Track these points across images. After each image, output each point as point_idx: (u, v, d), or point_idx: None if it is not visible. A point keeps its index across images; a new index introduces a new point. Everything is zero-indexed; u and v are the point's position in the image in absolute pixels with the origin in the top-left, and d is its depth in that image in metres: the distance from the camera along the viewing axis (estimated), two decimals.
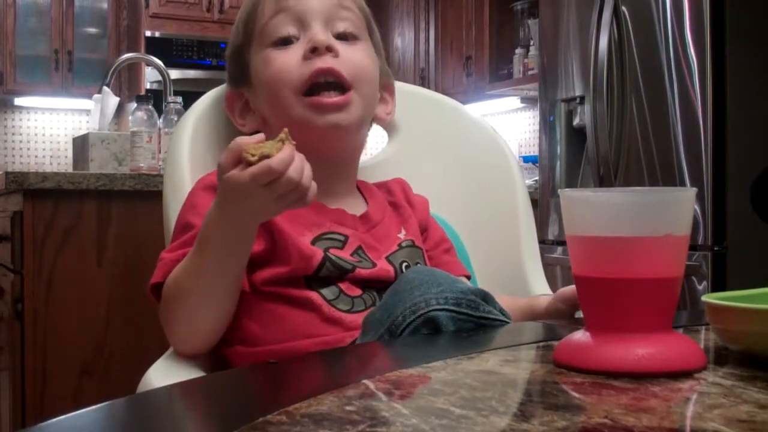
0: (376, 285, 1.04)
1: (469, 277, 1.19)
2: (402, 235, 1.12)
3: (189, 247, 0.97)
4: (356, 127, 1.10)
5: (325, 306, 0.99)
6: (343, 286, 1.01)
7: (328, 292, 1.00)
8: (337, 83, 1.05)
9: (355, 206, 1.12)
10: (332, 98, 1.05)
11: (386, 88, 1.19)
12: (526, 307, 1.10)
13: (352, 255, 1.04)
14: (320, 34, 1.05)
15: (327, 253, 1.01)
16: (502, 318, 0.87)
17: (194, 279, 0.94)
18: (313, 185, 0.87)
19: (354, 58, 1.07)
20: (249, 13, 1.11)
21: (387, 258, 1.07)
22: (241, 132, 1.13)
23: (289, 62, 1.05)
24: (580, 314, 0.92)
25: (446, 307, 0.83)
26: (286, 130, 0.87)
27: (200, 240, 0.93)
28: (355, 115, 1.07)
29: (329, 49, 1.05)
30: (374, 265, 1.04)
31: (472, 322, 0.84)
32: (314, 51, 1.04)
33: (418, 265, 1.09)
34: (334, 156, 1.10)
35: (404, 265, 1.07)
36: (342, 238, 1.05)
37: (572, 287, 1.02)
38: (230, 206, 0.89)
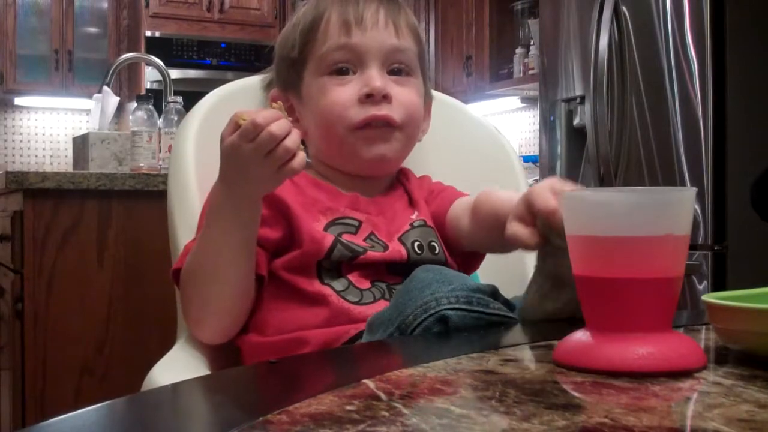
0: (387, 275, 1.05)
1: None
2: (414, 216, 1.14)
3: None
4: (399, 158, 1.16)
5: (334, 296, 1.01)
6: (352, 278, 1.03)
7: (338, 284, 1.02)
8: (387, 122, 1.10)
9: (369, 189, 1.14)
10: (380, 131, 1.09)
11: (425, 107, 1.21)
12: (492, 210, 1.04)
13: (364, 240, 1.06)
14: (377, 80, 1.08)
15: (338, 238, 1.04)
16: (511, 315, 0.88)
17: (203, 254, 0.98)
18: (301, 153, 0.90)
19: (405, 101, 1.11)
20: (308, 30, 1.12)
21: (399, 239, 1.09)
22: None
23: (344, 99, 1.08)
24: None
25: (457, 306, 0.84)
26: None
27: (207, 215, 0.98)
28: (399, 146, 1.12)
29: (384, 96, 1.08)
30: (386, 248, 1.06)
31: (484, 320, 0.85)
32: (370, 96, 1.08)
33: (431, 260, 1.10)
34: (371, 178, 1.15)
35: (416, 244, 1.09)
36: (356, 223, 1.08)
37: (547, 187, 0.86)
38: (229, 173, 0.93)
